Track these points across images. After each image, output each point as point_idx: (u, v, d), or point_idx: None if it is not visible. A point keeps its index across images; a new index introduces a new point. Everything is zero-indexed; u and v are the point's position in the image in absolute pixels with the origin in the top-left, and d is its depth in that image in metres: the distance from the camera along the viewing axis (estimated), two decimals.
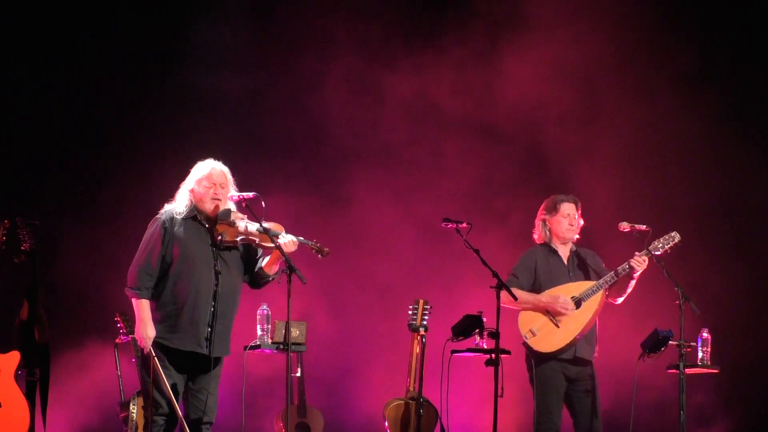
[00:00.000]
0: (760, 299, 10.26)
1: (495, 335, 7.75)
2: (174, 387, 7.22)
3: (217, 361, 7.32)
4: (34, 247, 8.10)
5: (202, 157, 7.49)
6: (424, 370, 8.45)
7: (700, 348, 8.30)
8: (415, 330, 8.56)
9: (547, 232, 8.33)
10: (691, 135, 10.42)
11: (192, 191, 7.37)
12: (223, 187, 7.37)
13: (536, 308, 8.13)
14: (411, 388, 8.46)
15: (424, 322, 8.58)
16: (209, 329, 7.25)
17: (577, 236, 8.36)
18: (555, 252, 8.31)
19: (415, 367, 8.43)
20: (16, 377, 7.99)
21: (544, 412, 8.07)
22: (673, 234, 8.22)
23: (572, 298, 8.13)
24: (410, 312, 8.61)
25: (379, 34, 10.58)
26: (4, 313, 8.67)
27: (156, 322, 7.24)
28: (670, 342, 8.02)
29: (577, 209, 8.31)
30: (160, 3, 10.41)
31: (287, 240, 7.35)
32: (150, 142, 10.21)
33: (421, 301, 8.60)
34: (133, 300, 7.27)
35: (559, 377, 8.10)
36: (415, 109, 10.64)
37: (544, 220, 8.34)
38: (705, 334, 8.36)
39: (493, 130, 10.59)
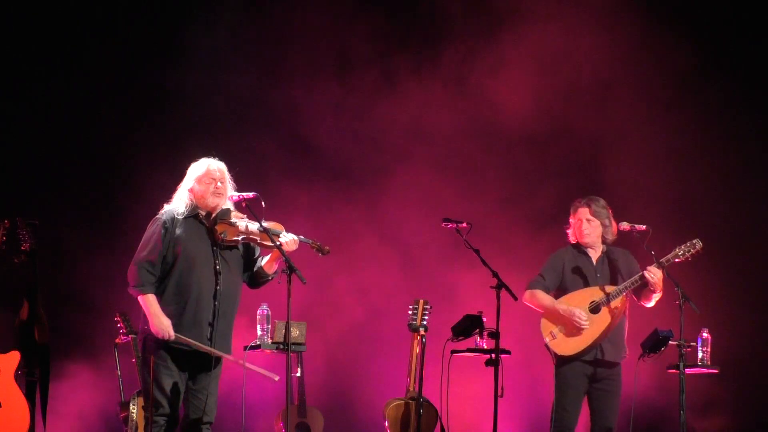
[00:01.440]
0: (761, 299, 10.25)
1: (495, 335, 7.76)
2: (176, 386, 7.22)
3: (218, 360, 7.32)
4: (34, 247, 8.10)
5: (202, 156, 7.48)
6: (424, 370, 8.45)
7: (700, 348, 8.30)
8: (415, 330, 8.55)
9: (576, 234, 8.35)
10: (692, 133, 10.41)
11: (192, 190, 7.36)
12: (222, 182, 7.37)
13: (553, 314, 8.12)
14: (411, 388, 8.45)
15: (424, 322, 8.57)
16: (211, 329, 7.25)
17: (613, 236, 8.32)
18: (585, 253, 8.30)
19: (415, 367, 8.43)
20: (16, 377, 8.00)
21: (560, 411, 8.07)
22: (694, 241, 8.18)
23: (591, 302, 8.12)
24: (410, 312, 8.60)
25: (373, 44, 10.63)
26: (4, 313, 8.67)
27: None
28: (670, 342, 8.01)
29: (591, 212, 8.28)
30: (161, 4, 10.40)
31: (288, 239, 7.36)
32: (151, 142, 10.21)
33: (421, 301, 8.60)
34: (139, 297, 7.24)
35: (580, 378, 8.09)
36: (417, 112, 10.63)
37: (572, 222, 8.37)
38: (705, 334, 8.35)
39: (498, 136, 10.60)
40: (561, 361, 8.11)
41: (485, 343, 8.13)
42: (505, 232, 10.17)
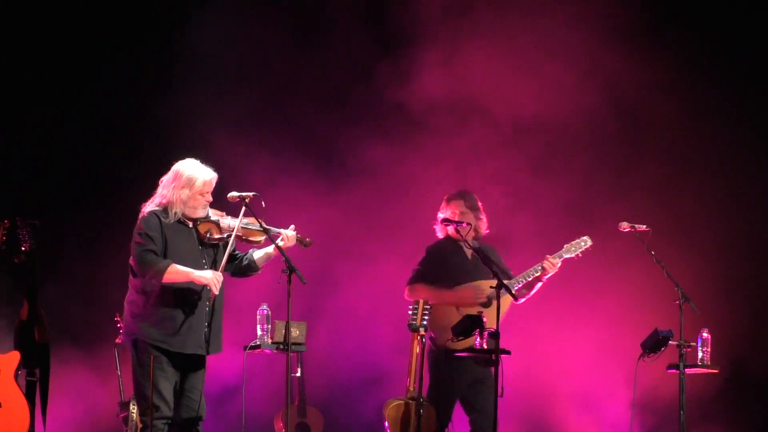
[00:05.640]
0: (761, 298, 10.25)
1: (495, 335, 7.76)
2: (173, 387, 7.21)
3: (203, 359, 7.33)
4: (34, 247, 8.12)
5: (205, 157, 7.45)
6: (424, 370, 8.45)
7: (700, 348, 8.30)
8: (415, 330, 8.53)
9: (448, 229, 8.36)
10: (692, 130, 10.42)
11: (184, 200, 7.24)
12: (210, 192, 7.37)
13: (454, 302, 8.12)
14: (411, 388, 8.44)
15: (424, 322, 8.57)
16: (208, 330, 7.24)
17: (484, 232, 8.32)
18: (460, 248, 8.31)
19: (415, 367, 8.42)
20: (16, 377, 8.01)
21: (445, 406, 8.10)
22: (584, 238, 8.24)
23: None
24: (410, 312, 8.59)
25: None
26: (4, 313, 8.68)
27: (152, 325, 7.15)
28: (670, 342, 8.02)
29: (466, 205, 8.29)
30: (163, 6, 10.42)
31: (289, 234, 7.36)
32: (151, 142, 10.20)
33: (421, 301, 8.57)
34: (163, 279, 7.09)
35: (463, 376, 8.11)
36: (421, 110, 10.62)
37: (443, 216, 8.37)
38: (705, 334, 8.35)
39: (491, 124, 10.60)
40: (447, 357, 8.10)
41: (485, 343, 8.12)
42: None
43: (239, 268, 7.47)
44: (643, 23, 10.35)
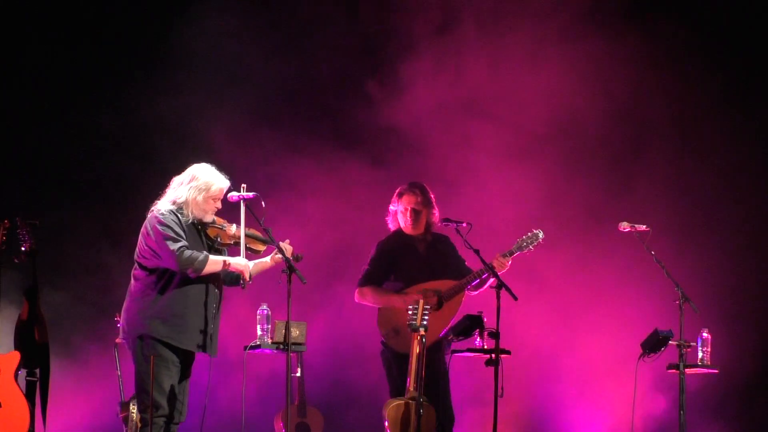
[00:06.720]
0: (761, 298, 10.25)
1: (495, 335, 7.76)
2: (173, 387, 7.21)
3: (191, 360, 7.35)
4: (34, 247, 8.11)
5: (202, 159, 7.44)
6: (424, 370, 8.45)
7: (700, 348, 8.30)
8: (415, 330, 8.53)
9: (399, 221, 8.35)
10: (694, 130, 10.41)
11: (199, 203, 7.26)
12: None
13: (391, 309, 8.17)
14: (411, 388, 8.44)
15: (424, 322, 8.56)
16: (207, 332, 7.25)
17: (438, 224, 8.27)
18: (411, 243, 8.32)
19: (416, 367, 8.42)
20: (16, 377, 8.01)
21: None
22: (536, 231, 8.23)
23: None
24: (410, 312, 8.59)
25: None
26: (4, 313, 8.68)
27: (163, 322, 7.17)
28: (670, 342, 8.03)
29: (419, 200, 8.28)
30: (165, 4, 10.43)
31: (288, 248, 7.39)
32: (151, 143, 10.20)
33: (421, 302, 8.58)
34: (204, 270, 7.12)
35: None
36: (429, 114, 10.62)
37: (394, 209, 8.38)
38: (705, 334, 8.36)
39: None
40: (400, 359, 8.11)
41: (485, 343, 8.13)
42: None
43: (233, 277, 7.48)
44: (642, 21, 10.35)
